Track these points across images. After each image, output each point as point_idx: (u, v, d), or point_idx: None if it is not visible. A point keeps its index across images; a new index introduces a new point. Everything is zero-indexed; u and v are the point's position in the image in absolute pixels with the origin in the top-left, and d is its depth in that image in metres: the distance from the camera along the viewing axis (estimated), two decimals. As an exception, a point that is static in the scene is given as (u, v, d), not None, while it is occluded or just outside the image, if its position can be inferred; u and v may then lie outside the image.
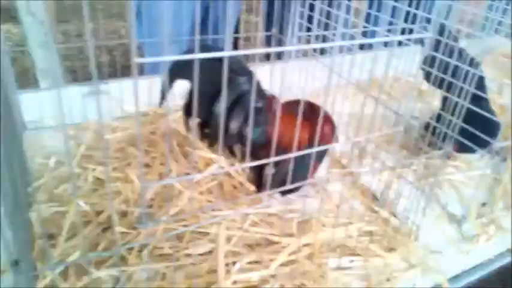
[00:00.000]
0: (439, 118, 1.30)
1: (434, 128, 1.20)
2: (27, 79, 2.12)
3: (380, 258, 0.96)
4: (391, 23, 1.18)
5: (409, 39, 0.76)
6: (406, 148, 1.36)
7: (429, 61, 1.27)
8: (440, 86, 1.33)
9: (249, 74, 1.01)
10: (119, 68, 1.63)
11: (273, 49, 0.66)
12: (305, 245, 0.93)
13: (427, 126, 1.24)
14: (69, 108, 1.23)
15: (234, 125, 0.99)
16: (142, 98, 1.36)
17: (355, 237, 0.97)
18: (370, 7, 2.35)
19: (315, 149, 0.78)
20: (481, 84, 1.19)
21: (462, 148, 1.14)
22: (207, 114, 0.99)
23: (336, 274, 0.91)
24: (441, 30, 1.24)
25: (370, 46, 1.78)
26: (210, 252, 0.90)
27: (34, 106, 1.22)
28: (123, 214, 0.97)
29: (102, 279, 0.83)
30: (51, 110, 1.23)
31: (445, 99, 1.29)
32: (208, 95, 0.96)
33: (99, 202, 0.99)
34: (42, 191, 1.01)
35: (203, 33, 2.06)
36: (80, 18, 0.49)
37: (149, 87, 1.36)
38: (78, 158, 1.12)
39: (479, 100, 1.13)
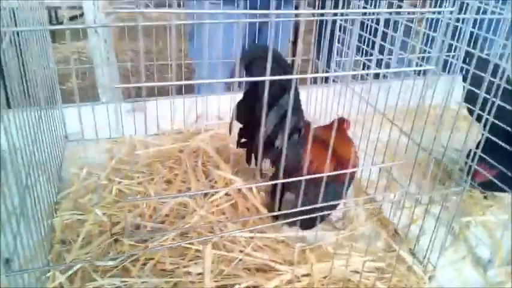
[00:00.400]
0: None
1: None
2: (94, 93, 2.30)
3: (389, 297, 0.92)
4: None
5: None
6: (443, 182, 1.30)
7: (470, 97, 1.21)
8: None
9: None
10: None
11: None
12: (305, 275, 0.91)
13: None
14: (109, 123, 1.33)
15: (269, 126, 0.99)
16: (178, 116, 1.43)
17: (361, 272, 0.94)
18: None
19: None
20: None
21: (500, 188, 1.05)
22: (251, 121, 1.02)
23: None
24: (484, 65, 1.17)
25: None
26: (210, 271, 0.91)
27: (77, 119, 1.32)
28: (137, 227, 1.02)
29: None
30: (93, 123, 1.33)
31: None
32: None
33: (117, 214, 1.04)
34: (69, 199, 1.09)
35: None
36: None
37: (190, 106, 1.43)
38: (108, 170, 1.19)
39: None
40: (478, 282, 0.99)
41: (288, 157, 0.76)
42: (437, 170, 1.31)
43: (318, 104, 1.44)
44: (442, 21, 0.66)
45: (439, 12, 0.65)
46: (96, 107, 1.32)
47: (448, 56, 1.54)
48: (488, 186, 1.14)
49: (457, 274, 1.01)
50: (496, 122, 0.99)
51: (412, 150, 1.07)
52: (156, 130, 1.40)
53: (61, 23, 3.80)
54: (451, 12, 0.64)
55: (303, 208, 0.75)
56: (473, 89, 1.00)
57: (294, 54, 2.42)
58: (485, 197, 1.24)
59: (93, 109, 1.30)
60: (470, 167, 1.20)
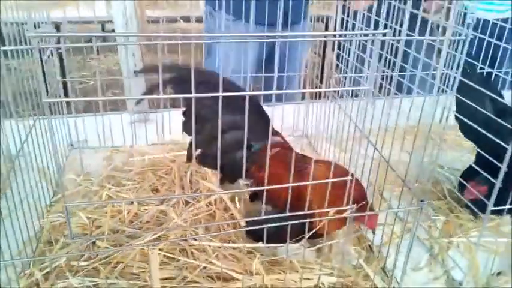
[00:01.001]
0: (469, 172, 1.21)
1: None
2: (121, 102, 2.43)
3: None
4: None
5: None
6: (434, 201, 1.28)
7: (461, 109, 1.19)
8: (472, 138, 1.23)
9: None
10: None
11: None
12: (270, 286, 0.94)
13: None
14: (111, 133, 1.41)
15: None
16: (177, 127, 1.50)
17: (318, 285, 0.95)
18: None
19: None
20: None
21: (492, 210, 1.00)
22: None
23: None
24: (467, 73, 1.15)
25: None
26: (174, 278, 0.95)
27: (83, 128, 1.42)
28: (116, 231, 1.08)
29: (75, 286, 0.94)
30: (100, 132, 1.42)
31: (478, 152, 1.19)
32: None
33: (100, 218, 1.12)
34: (60, 202, 1.18)
35: (268, 70, 2.16)
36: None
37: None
38: (102, 177, 1.27)
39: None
40: (446, 305, 0.97)
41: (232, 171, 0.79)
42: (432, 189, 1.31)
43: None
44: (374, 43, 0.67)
45: (373, 34, 0.67)
46: (99, 117, 1.40)
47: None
48: (479, 205, 1.10)
49: (430, 297, 0.99)
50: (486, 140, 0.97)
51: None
52: (157, 140, 1.48)
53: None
54: (384, 35, 0.66)
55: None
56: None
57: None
58: (475, 218, 1.21)
59: (96, 119, 1.39)
60: (461, 185, 1.18)
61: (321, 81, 1.37)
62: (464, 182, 1.08)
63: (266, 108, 1.07)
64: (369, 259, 1.07)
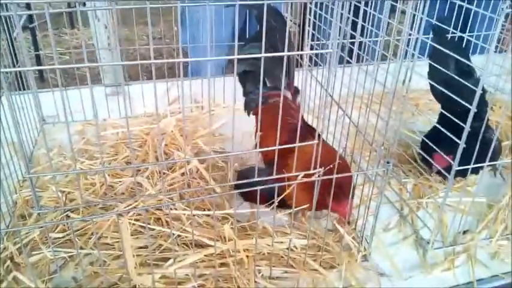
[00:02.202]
0: (432, 132, 1.23)
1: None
2: (97, 77, 2.40)
3: (317, 273, 0.95)
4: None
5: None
6: (404, 164, 1.31)
7: (431, 72, 1.20)
8: (440, 100, 1.25)
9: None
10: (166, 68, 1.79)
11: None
12: (238, 251, 0.95)
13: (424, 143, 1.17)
14: (83, 107, 1.39)
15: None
16: (151, 100, 1.49)
17: (295, 249, 0.97)
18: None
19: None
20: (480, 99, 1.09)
21: (458, 171, 0.98)
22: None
23: (264, 283, 0.92)
24: (437, 33, 1.15)
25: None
26: (148, 247, 0.97)
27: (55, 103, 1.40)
28: (92, 203, 1.09)
29: (49, 258, 0.95)
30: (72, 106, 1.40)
31: (442, 113, 1.21)
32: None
33: (74, 191, 1.12)
34: (33, 177, 1.17)
35: (243, 39, 2.14)
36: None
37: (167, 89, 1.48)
38: (75, 151, 1.27)
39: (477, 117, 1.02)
40: (414, 263, 1.01)
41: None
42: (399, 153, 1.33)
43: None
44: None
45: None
46: (71, 91, 1.38)
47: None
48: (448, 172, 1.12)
49: (395, 254, 1.02)
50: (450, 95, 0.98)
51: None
52: (131, 113, 1.46)
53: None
54: (345, -4, 0.66)
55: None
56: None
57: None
58: (443, 179, 1.24)
59: (65, 93, 1.37)
60: (424, 147, 1.19)
61: (301, 50, 1.36)
62: (429, 142, 1.10)
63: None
64: (341, 221, 1.09)
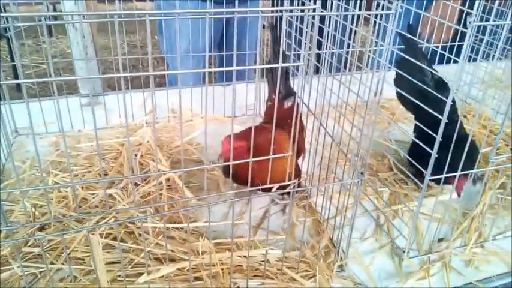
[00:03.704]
0: (412, 148, 1.25)
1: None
2: (75, 87, 2.37)
3: (295, 283, 0.94)
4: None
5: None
6: (380, 173, 1.31)
7: (399, 80, 1.22)
8: (411, 109, 1.27)
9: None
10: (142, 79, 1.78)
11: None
12: (219, 264, 0.94)
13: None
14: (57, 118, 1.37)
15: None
16: (129, 110, 1.47)
17: (265, 261, 0.96)
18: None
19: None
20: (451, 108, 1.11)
21: (435, 180, 1.01)
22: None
23: (240, 296, 0.91)
24: (404, 41, 1.16)
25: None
26: (119, 262, 0.95)
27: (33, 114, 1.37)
28: (63, 216, 1.06)
29: (19, 274, 0.92)
30: (45, 118, 1.38)
31: (416, 124, 1.22)
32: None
33: (46, 205, 1.09)
34: (5, 190, 1.14)
35: (221, 48, 2.14)
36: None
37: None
38: (49, 163, 1.24)
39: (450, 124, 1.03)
40: (390, 272, 1.01)
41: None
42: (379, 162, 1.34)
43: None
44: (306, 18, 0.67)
45: (302, 10, 0.67)
46: (44, 102, 1.36)
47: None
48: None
49: (371, 263, 1.02)
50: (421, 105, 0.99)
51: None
52: (106, 124, 1.45)
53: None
54: (314, 10, 0.66)
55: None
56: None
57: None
58: (418, 188, 1.25)
59: (41, 104, 1.35)
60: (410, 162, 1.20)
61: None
62: (408, 158, 1.10)
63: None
64: (318, 232, 1.10)
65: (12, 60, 3.14)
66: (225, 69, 0.75)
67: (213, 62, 2.17)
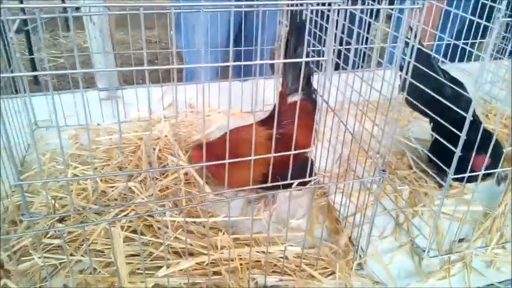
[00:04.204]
0: (434, 145, 1.23)
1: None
2: (92, 81, 2.38)
3: (313, 280, 0.94)
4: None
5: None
6: (400, 171, 1.30)
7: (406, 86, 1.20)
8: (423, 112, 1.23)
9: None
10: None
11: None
12: (237, 259, 0.94)
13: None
14: (77, 111, 1.38)
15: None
16: (145, 104, 1.48)
17: (284, 257, 0.96)
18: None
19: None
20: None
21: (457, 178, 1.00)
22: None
23: (259, 291, 0.91)
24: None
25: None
26: (139, 255, 0.95)
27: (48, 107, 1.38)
28: (83, 208, 1.07)
29: (39, 265, 0.93)
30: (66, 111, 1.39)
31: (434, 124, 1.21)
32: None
33: (67, 197, 1.10)
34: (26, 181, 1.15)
35: (238, 44, 2.13)
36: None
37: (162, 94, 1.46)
38: (67, 156, 1.25)
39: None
40: (409, 271, 1.00)
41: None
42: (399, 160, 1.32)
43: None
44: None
45: (329, 4, 0.66)
46: (63, 95, 1.37)
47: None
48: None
49: (391, 262, 1.01)
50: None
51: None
52: (124, 118, 1.45)
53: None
54: (339, 4, 0.65)
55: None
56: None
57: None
58: (439, 187, 1.23)
59: (60, 97, 1.35)
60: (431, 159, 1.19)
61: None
62: (432, 156, 1.09)
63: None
64: (337, 230, 1.09)
65: (31, 53, 3.17)
66: (248, 63, 0.74)
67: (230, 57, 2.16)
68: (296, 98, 1.14)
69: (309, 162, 1.01)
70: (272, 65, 2.12)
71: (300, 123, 0.77)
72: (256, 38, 1.80)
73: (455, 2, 1.59)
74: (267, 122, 1.12)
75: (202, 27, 1.89)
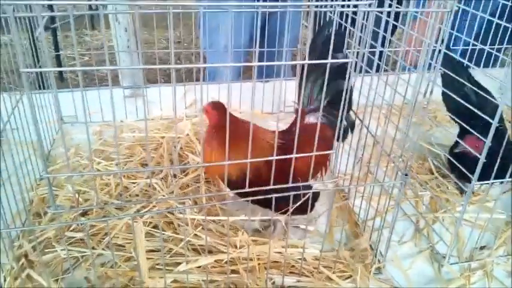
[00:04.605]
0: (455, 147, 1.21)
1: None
2: (116, 79, 2.42)
3: (331, 283, 0.94)
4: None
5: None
6: (420, 175, 1.29)
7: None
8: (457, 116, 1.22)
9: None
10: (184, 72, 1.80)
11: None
12: (256, 258, 0.95)
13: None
14: (101, 108, 1.41)
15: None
16: (168, 103, 1.50)
17: (302, 258, 0.96)
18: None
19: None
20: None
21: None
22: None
23: (275, 291, 0.92)
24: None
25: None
26: (159, 250, 0.97)
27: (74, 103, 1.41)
28: (105, 203, 1.09)
29: (62, 257, 0.95)
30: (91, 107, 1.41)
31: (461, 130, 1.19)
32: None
33: (90, 191, 1.12)
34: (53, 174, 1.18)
35: (260, 45, 2.14)
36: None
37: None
38: (91, 151, 1.27)
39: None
40: (429, 277, 0.99)
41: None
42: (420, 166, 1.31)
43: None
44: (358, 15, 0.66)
45: (355, 6, 0.66)
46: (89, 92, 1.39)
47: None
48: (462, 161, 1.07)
49: (410, 267, 1.00)
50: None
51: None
52: (148, 115, 1.47)
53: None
54: (370, 5, 0.65)
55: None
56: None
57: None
58: (461, 193, 1.22)
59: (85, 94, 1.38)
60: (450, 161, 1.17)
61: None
62: (451, 158, 1.08)
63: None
64: (356, 233, 1.08)
65: (57, 50, 3.24)
66: (272, 63, 0.75)
67: (252, 58, 2.17)
68: (313, 119, 1.05)
69: (309, 195, 0.90)
70: (293, 67, 2.12)
71: (305, 150, 0.76)
72: (278, 39, 1.80)
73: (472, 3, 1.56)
74: (281, 134, 1.00)
75: (228, 27, 1.90)
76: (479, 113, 0.89)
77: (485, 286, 0.97)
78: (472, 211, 1.14)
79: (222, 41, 1.97)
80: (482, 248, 1.06)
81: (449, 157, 1.13)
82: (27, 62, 1.20)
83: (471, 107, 0.92)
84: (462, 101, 0.95)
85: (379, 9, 0.68)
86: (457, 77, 1.01)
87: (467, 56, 1.65)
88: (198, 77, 1.61)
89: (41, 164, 1.21)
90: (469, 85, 1.07)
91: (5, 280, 0.89)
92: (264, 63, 0.68)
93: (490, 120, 0.85)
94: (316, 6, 1.08)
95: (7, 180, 0.98)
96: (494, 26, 1.06)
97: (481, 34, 1.72)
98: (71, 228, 1.02)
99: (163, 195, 1.10)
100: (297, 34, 2.05)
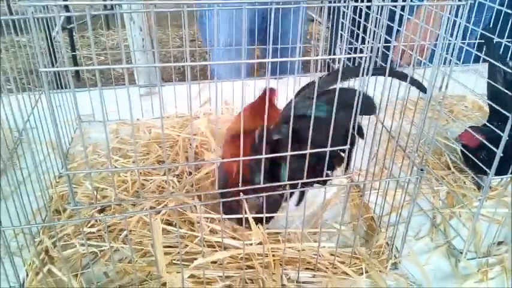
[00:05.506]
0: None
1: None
2: (131, 78, 2.45)
3: (347, 278, 0.94)
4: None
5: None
6: (436, 171, 1.28)
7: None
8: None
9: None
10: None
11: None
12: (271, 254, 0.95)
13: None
14: (118, 106, 1.42)
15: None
16: (182, 101, 1.51)
17: (318, 253, 0.96)
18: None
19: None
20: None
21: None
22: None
23: (292, 286, 0.92)
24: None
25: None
26: (175, 246, 0.98)
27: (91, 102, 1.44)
28: (121, 200, 1.11)
29: (81, 253, 0.97)
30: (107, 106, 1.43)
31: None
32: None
33: (107, 188, 1.14)
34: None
35: (262, 42, 2.13)
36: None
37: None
38: (109, 149, 1.30)
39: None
40: (446, 273, 0.98)
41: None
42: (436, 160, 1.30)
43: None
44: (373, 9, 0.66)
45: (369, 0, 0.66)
46: (105, 91, 1.42)
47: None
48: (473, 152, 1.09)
49: (426, 263, 1.00)
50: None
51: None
52: (164, 113, 1.49)
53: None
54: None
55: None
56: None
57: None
58: (478, 188, 1.21)
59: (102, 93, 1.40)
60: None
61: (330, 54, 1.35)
62: (466, 151, 1.07)
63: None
64: (373, 229, 1.08)
65: (73, 50, 3.28)
66: (285, 59, 0.76)
67: (256, 56, 2.16)
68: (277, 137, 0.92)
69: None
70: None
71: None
72: (281, 37, 1.79)
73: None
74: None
75: (222, 26, 1.89)
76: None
77: (503, 281, 0.96)
78: (490, 206, 1.13)
79: (220, 39, 1.95)
80: (500, 243, 1.05)
81: (467, 153, 1.12)
82: (45, 61, 1.23)
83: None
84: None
85: (394, 3, 0.68)
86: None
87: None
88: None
89: (60, 161, 1.23)
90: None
91: (27, 275, 0.91)
92: (278, 60, 0.68)
93: (507, 114, 0.84)
94: (330, 2, 1.08)
95: (27, 177, 1.01)
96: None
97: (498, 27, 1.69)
98: (89, 225, 1.04)
99: (179, 191, 1.11)
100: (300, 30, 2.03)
